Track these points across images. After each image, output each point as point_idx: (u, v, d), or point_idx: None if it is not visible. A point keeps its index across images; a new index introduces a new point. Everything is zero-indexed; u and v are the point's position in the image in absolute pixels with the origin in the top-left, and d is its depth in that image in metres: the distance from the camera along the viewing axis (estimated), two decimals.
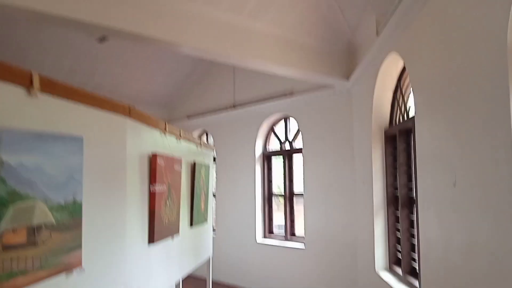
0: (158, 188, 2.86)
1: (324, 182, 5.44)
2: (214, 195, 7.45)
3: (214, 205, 7.39)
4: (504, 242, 1.77)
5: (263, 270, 6.16)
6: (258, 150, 6.55)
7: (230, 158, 6.91)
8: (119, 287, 2.23)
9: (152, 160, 2.84)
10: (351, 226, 5.08)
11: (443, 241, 2.39)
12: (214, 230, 7.27)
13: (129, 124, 2.57)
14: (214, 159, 7.35)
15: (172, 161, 3.18)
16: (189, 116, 7.59)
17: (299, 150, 5.98)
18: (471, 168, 2.07)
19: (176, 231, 3.31)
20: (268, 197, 6.50)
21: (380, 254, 4.09)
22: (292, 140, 6.22)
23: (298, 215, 6.06)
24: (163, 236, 2.98)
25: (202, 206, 4.14)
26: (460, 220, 2.18)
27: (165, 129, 3.12)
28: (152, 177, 2.81)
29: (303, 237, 5.77)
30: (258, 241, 6.33)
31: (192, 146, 3.99)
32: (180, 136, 3.50)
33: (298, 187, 6.20)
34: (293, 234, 6.10)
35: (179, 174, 3.32)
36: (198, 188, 3.98)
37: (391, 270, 3.97)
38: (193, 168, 3.90)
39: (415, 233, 3.46)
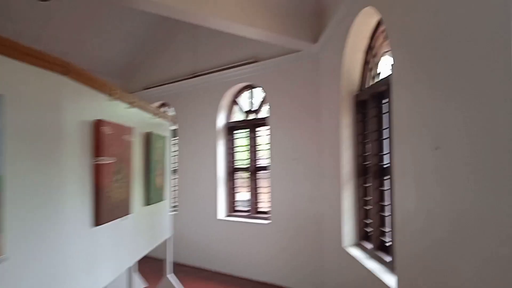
0: (104, 161, 2.48)
1: (291, 154, 5.19)
2: (175, 171, 7.07)
3: (175, 182, 7.02)
4: (493, 208, 1.55)
5: (226, 248, 5.91)
6: (221, 122, 6.19)
7: (192, 131, 6.52)
8: (49, 278, 1.87)
9: (96, 127, 2.45)
10: (318, 200, 4.88)
11: (423, 211, 2.17)
12: (175, 208, 6.92)
13: (67, 84, 2.16)
14: (175, 132, 6.94)
15: (122, 130, 2.79)
16: (146, 88, 7.09)
17: (264, 121, 5.67)
18: (457, 130, 1.83)
19: (127, 210, 2.94)
20: (232, 172, 6.19)
21: (348, 229, 3.91)
22: (257, 110, 5.89)
23: (263, 191, 5.81)
24: (112, 217, 2.62)
25: (159, 183, 3.78)
26: (444, 187, 1.95)
27: (113, 93, 2.72)
28: (96, 148, 2.43)
29: (268, 212, 5.53)
30: (219, 218, 6.05)
31: (146, 115, 3.59)
32: (132, 102, 3.10)
33: (263, 161, 5.92)
34: (258, 211, 5.85)
35: (130, 145, 2.94)
36: (154, 162, 3.61)
37: (359, 246, 3.79)
38: (148, 139, 3.52)
39: (387, 206, 3.27)
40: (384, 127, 3.37)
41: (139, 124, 3.36)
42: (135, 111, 3.27)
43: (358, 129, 3.94)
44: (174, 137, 7.07)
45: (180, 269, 6.22)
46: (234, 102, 6.21)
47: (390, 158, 2.96)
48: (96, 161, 2.41)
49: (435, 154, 2.04)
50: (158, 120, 3.93)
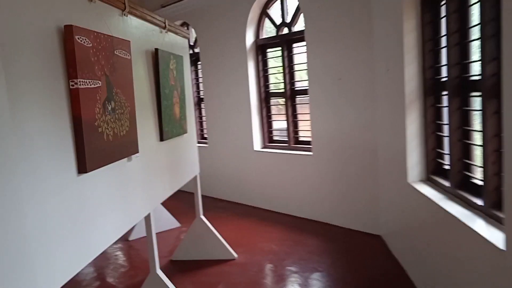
0: (86, 83, 1.76)
1: (334, 74, 4.31)
2: (201, 99, 6.37)
3: (203, 112, 6.36)
4: None
5: (264, 183, 5.32)
6: (249, 40, 5.30)
7: (217, 53, 5.68)
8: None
9: (67, 37, 1.70)
10: (370, 127, 4.07)
11: None
12: (205, 140, 6.32)
13: None
14: (196, 57, 6.13)
15: (111, 43, 2.03)
16: (163, 5, 6.19)
17: (300, 36, 4.74)
18: None
19: (133, 149, 2.27)
20: (266, 97, 5.41)
21: (415, 161, 3.13)
22: (291, 23, 4.94)
23: (303, 118, 5.04)
24: (108, 159, 1.95)
25: (177, 112, 3.08)
26: None
27: None
28: (71, 66, 1.70)
29: (309, 142, 4.80)
30: (256, 149, 5.39)
31: (152, 28, 2.80)
32: (126, 7, 2.30)
33: (301, 84, 5.09)
34: (297, 141, 5.12)
35: (126, 63, 2.19)
36: (167, 88, 2.89)
37: (431, 181, 3.03)
38: (155, 58, 2.76)
39: (478, 133, 2.45)
40: (472, 24, 2.44)
41: (141, 39, 2.58)
42: (134, 22, 2.49)
43: (427, 33, 3.01)
44: (196, 61, 6.28)
45: (216, 204, 5.75)
46: (263, 14, 5.25)
47: (493, 67, 2.07)
48: (74, 84, 1.70)
49: None
50: (169, 35, 3.13)
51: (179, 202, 5.36)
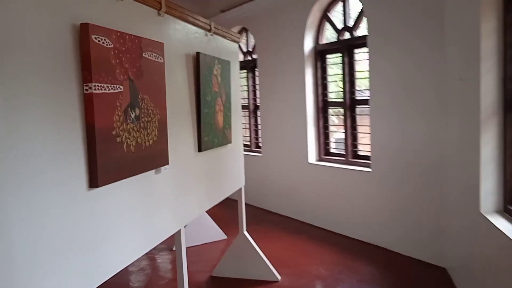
0: (103, 88, 1.59)
1: (399, 82, 3.89)
2: (257, 108, 6.16)
3: (258, 120, 6.15)
4: None
5: (318, 198, 4.96)
6: (308, 45, 5.00)
7: (274, 59, 5.45)
8: None
9: (82, 36, 1.54)
10: (438, 144, 3.60)
11: None
12: (259, 150, 6.10)
13: None
14: (254, 64, 5.94)
15: (138, 44, 1.86)
16: (223, 10, 6.10)
17: (363, 41, 4.36)
18: None
19: (163, 160, 2.09)
20: (323, 107, 5.07)
21: (490, 188, 2.65)
22: (353, 28, 4.57)
23: (363, 130, 4.64)
24: (129, 172, 1.78)
25: (220, 121, 2.87)
26: None
27: None
28: (85, 69, 1.53)
29: (368, 157, 4.39)
30: (310, 162, 5.06)
31: (194, 30, 2.62)
32: (162, 6, 2.13)
33: (362, 94, 4.70)
34: (356, 155, 4.72)
35: (158, 67, 2.01)
36: (209, 94, 2.69)
37: (507, 214, 2.54)
38: (197, 63, 2.57)
39: None
40: None
41: (180, 42, 2.40)
42: (172, 24, 2.32)
43: (510, 36, 2.54)
44: (254, 67, 6.09)
45: (267, 217, 5.50)
46: (324, 18, 4.94)
47: None
48: (88, 89, 1.53)
49: None
50: (215, 39, 2.94)
51: (229, 212, 5.17)
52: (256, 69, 6.01)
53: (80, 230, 1.53)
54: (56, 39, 1.43)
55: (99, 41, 1.57)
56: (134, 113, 1.81)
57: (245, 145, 6.52)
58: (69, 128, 1.48)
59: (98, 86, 1.56)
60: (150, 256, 4.18)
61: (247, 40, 6.32)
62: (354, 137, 4.71)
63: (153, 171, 2.05)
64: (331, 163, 4.87)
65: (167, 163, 2.13)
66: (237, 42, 3.41)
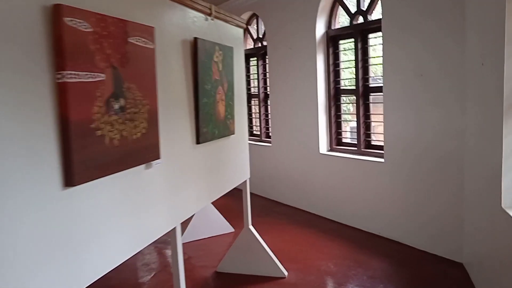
0: (79, 76, 1.45)
1: (415, 68, 3.66)
2: (267, 96, 5.97)
3: (268, 109, 5.96)
4: None
5: (330, 190, 4.78)
6: (320, 31, 4.77)
7: (285, 46, 5.24)
8: None
9: (54, 19, 1.39)
10: (458, 134, 3.38)
11: None
12: (269, 140, 5.93)
13: None
14: (265, 51, 5.73)
15: (123, 28, 1.71)
16: None
17: (377, 25, 4.11)
18: None
19: (154, 154, 1.95)
20: (335, 95, 4.86)
21: None
22: (367, 11, 4.33)
23: (376, 119, 4.43)
24: (112, 168, 1.64)
25: (221, 111, 2.71)
26: None
27: None
28: (58, 55, 1.39)
29: (382, 147, 4.18)
30: (322, 152, 4.88)
31: (193, 14, 2.45)
32: None
33: (375, 81, 4.48)
34: (368, 145, 4.51)
35: (147, 53, 1.86)
36: (208, 83, 2.53)
37: None
38: (194, 49, 2.41)
39: None
40: None
41: (175, 26, 2.24)
42: (167, 7, 2.15)
43: None
44: (265, 55, 5.88)
45: (276, 208, 5.36)
46: (337, 1, 4.69)
47: None
48: (61, 77, 1.39)
49: None
50: (217, 23, 2.77)
51: (238, 203, 5.04)
52: (266, 57, 5.80)
53: (58, 233, 1.40)
54: (24, 22, 1.29)
55: (74, 24, 1.42)
56: (118, 103, 1.67)
57: (255, 135, 6.37)
58: (39, 122, 1.34)
59: (73, 74, 1.41)
60: (157, 249, 4.09)
61: (257, 26, 6.11)
62: (367, 126, 4.49)
63: (143, 166, 1.91)
64: (343, 153, 4.68)
65: (159, 157, 1.99)
66: (242, 28, 3.23)
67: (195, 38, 2.39)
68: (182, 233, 4.23)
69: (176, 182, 2.23)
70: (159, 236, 2.07)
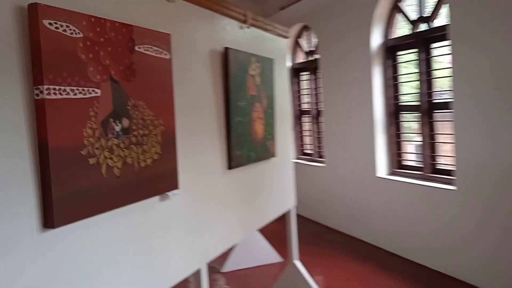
0: (64, 92, 1.17)
1: (490, 81, 3.11)
2: (319, 113, 5.56)
3: (320, 127, 5.54)
4: None
5: (390, 218, 4.25)
6: (376, 41, 4.32)
7: (337, 58, 4.84)
8: None
9: (31, 21, 1.13)
10: None
11: None
12: (322, 160, 5.49)
13: None
14: (316, 65, 5.35)
15: (128, 34, 1.42)
16: (282, 7, 5.61)
17: (442, 33, 3.59)
18: None
19: (170, 183, 1.63)
20: (395, 112, 4.36)
21: None
22: (430, 17, 3.82)
23: (444, 139, 3.86)
24: (111, 203, 1.34)
25: (259, 131, 2.37)
26: None
27: None
28: (35, 65, 1.12)
29: (450, 172, 3.61)
30: (379, 176, 4.37)
31: (225, 21, 2.16)
32: None
33: (442, 96, 3.93)
34: (435, 169, 3.93)
35: (162, 65, 1.56)
36: (243, 99, 2.20)
37: None
38: (225, 60, 2.10)
39: None
40: None
41: (201, 34, 1.94)
42: (191, 12, 1.87)
43: None
44: (315, 69, 5.50)
45: (329, 236, 4.89)
46: (395, 8, 4.24)
47: None
48: (39, 93, 1.11)
49: None
50: (253, 32, 2.46)
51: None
52: (318, 71, 5.42)
53: (34, 285, 1.11)
54: None
55: (56, 28, 1.15)
56: (120, 124, 1.38)
57: (307, 155, 5.97)
58: (12, 148, 1.08)
59: (54, 89, 1.14)
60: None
61: (309, 39, 5.77)
62: (433, 148, 3.93)
63: (157, 198, 1.61)
64: (405, 178, 4.14)
65: (177, 187, 1.67)
66: (285, 37, 2.89)
67: (226, 48, 2.08)
68: (224, 260, 3.91)
69: (200, 215, 1.90)
70: (178, 281, 1.74)
